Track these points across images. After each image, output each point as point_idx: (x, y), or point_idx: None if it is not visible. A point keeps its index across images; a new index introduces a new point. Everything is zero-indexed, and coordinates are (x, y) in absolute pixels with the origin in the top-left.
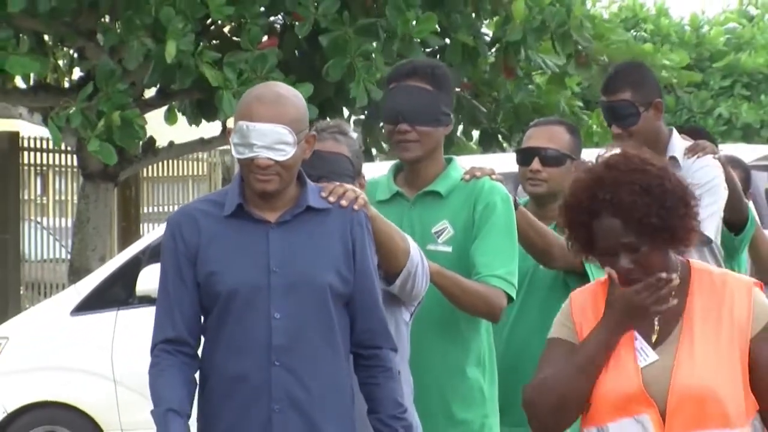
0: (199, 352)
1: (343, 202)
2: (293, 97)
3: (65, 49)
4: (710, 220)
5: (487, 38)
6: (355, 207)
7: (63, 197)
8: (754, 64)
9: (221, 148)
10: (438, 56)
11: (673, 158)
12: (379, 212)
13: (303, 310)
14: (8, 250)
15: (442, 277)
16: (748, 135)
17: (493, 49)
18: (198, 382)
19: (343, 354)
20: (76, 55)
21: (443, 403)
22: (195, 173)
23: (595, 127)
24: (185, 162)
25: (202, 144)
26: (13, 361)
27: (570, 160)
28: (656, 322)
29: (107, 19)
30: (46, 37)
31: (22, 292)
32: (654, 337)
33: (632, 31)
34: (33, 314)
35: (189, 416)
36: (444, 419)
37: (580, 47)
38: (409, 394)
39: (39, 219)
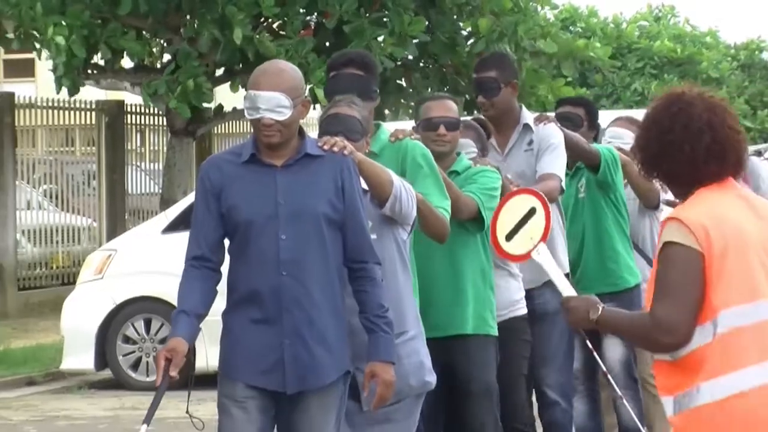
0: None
1: (335, 149)
2: (291, 70)
3: (157, 39)
4: (561, 171)
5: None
6: (345, 153)
7: (156, 148)
8: (660, 51)
9: None
10: (427, 47)
11: (527, 125)
12: None
13: (303, 232)
14: (116, 186)
15: (423, 204)
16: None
17: (470, 42)
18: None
19: (334, 266)
20: (165, 44)
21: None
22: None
23: (549, 97)
24: (245, 122)
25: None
26: (120, 266)
27: (460, 125)
28: None
29: (188, 17)
30: (144, 32)
31: (126, 217)
32: None
33: (570, 28)
34: (134, 233)
35: (201, 315)
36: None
37: (528, 49)
38: (412, 301)
39: (138, 164)
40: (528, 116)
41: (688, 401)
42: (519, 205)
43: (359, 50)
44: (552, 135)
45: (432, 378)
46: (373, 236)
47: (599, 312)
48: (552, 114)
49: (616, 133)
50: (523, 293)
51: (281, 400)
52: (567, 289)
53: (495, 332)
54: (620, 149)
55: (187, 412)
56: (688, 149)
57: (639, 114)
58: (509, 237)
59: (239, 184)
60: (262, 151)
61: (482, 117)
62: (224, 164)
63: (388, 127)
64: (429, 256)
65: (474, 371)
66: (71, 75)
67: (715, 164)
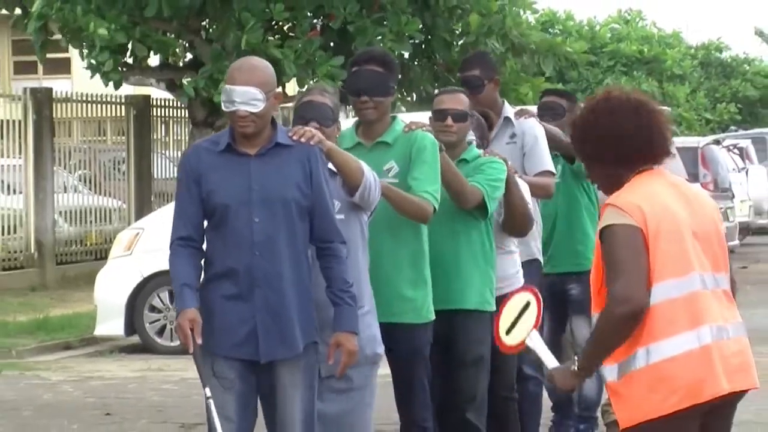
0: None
1: (303, 140)
2: (264, 67)
3: (180, 41)
4: (551, 164)
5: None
6: (312, 143)
7: (179, 137)
8: (629, 51)
9: (282, 105)
10: (422, 46)
11: (507, 118)
12: None
13: (274, 216)
14: (143, 172)
15: (389, 191)
16: None
17: (461, 41)
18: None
19: (302, 247)
20: (186, 44)
21: (394, 285)
22: None
23: (530, 94)
24: None
25: None
26: (147, 243)
27: (469, 117)
28: None
29: (207, 21)
30: (168, 34)
31: (152, 199)
32: None
33: (549, 30)
34: (159, 213)
35: (197, 288)
36: (394, 297)
37: (515, 42)
38: (367, 278)
39: (163, 152)
40: (509, 110)
41: (627, 366)
42: (517, 302)
43: (381, 49)
44: (533, 129)
45: (381, 348)
46: (341, 216)
47: (576, 364)
48: (533, 108)
49: None
50: (519, 269)
51: (259, 370)
52: (551, 363)
53: (493, 308)
54: None
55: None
56: (617, 145)
57: None
58: (508, 331)
59: (217, 171)
60: (237, 140)
61: (486, 110)
62: (203, 152)
63: (404, 119)
64: (435, 237)
65: (470, 344)
66: (117, 71)
67: (644, 157)
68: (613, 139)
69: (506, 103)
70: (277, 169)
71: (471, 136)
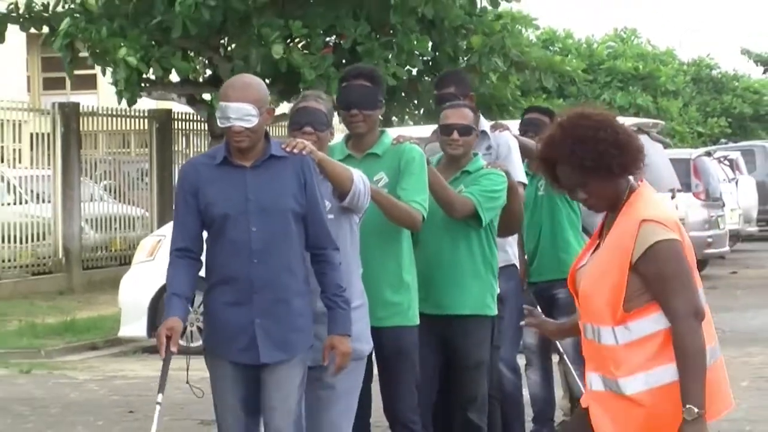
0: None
1: (295, 151)
2: (256, 84)
3: (200, 57)
4: (522, 176)
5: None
6: (304, 153)
7: (198, 149)
8: (625, 67)
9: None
10: (430, 63)
11: (483, 131)
12: None
13: (271, 225)
14: (165, 182)
15: (379, 196)
16: (621, 112)
17: (465, 58)
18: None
19: (299, 253)
20: (206, 61)
21: (379, 290)
22: (280, 135)
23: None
24: (276, 127)
25: (285, 117)
26: (168, 250)
27: (473, 131)
28: (605, 234)
29: (226, 40)
30: (189, 51)
31: (173, 207)
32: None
33: (549, 47)
34: None
35: (189, 297)
36: (379, 302)
37: (515, 60)
38: (358, 274)
39: (183, 162)
40: (485, 123)
41: (658, 378)
42: None
43: (368, 65)
44: (508, 141)
45: (368, 346)
46: (331, 216)
47: (690, 410)
48: (507, 122)
49: None
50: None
51: (257, 370)
52: None
53: (493, 312)
54: None
55: (187, 382)
56: (620, 155)
57: None
58: None
59: (214, 184)
60: (233, 153)
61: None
62: (200, 167)
63: (392, 132)
64: (436, 244)
65: (472, 348)
66: (130, 89)
67: (638, 167)
68: (617, 149)
69: (482, 117)
70: (271, 180)
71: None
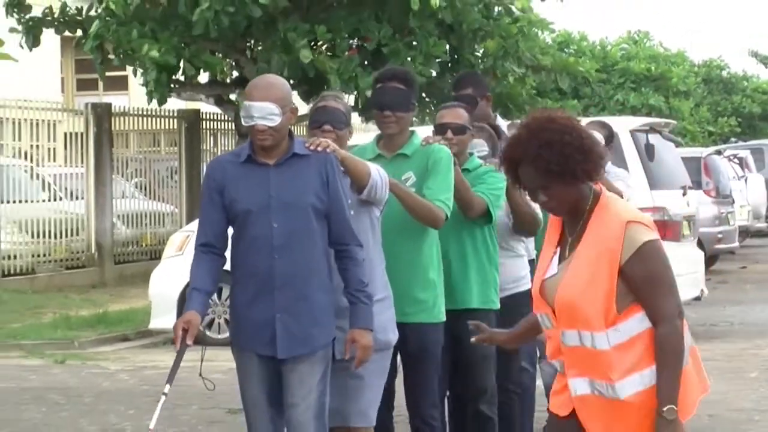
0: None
1: (319, 149)
2: (280, 83)
3: (227, 60)
4: None
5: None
6: (327, 151)
7: (226, 148)
8: (638, 69)
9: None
10: (449, 65)
11: (497, 126)
12: None
13: (292, 221)
14: (193, 179)
15: (400, 191)
16: (634, 112)
17: (482, 61)
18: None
19: (322, 249)
20: (233, 63)
21: (406, 287)
22: (304, 133)
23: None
24: (300, 126)
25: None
26: None
27: (468, 130)
28: (570, 241)
29: (252, 42)
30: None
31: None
32: (566, 254)
33: (564, 49)
34: None
35: (210, 292)
36: (407, 298)
37: (529, 64)
38: (381, 267)
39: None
40: (501, 122)
41: (650, 380)
42: None
43: (403, 68)
44: None
45: (394, 336)
46: (351, 212)
47: (666, 409)
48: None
49: None
50: (527, 271)
51: (278, 363)
52: None
53: (497, 306)
54: None
55: (200, 374)
56: (586, 160)
57: (610, 120)
58: None
59: (239, 181)
60: (257, 152)
61: (496, 124)
62: (226, 165)
63: (420, 133)
64: (442, 241)
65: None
66: (160, 89)
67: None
68: (581, 155)
69: (498, 116)
70: (294, 177)
71: (484, 147)
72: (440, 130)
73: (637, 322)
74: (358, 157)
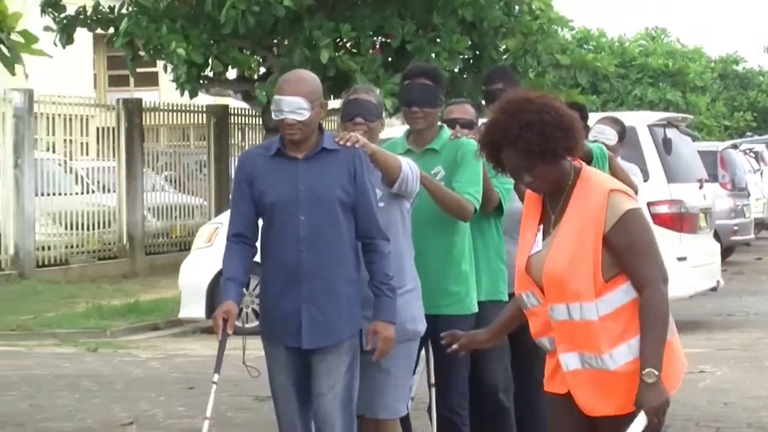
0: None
1: (348, 144)
2: (310, 78)
3: (254, 56)
4: None
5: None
6: (357, 146)
7: (254, 142)
8: (656, 64)
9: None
10: (471, 61)
11: None
12: None
13: (320, 214)
14: (222, 172)
15: (430, 184)
16: (651, 107)
17: (504, 56)
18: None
19: (348, 242)
20: (260, 59)
21: (439, 280)
22: (331, 128)
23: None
24: (326, 122)
25: (335, 111)
26: (225, 236)
27: (475, 125)
28: (553, 218)
29: (278, 39)
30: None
31: (230, 197)
32: (551, 230)
33: (584, 45)
34: None
35: (243, 282)
36: (438, 291)
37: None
38: (410, 258)
39: (239, 154)
40: None
41: (638, 349)
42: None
43: (430, 64)
44: None
45: (423, 326)
46: (381, 204)
47: (647, 372)
48: None
49: (601, 130)
50: None
51: (304, 354)
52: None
53: (506, 298)
54: (604, 144)
55: (244, 362)
56: (566, 138)
57: (622, 115)
58: None
59: (268, 174)
60: (286, 146)
61: None
62: (256, 157)
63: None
64: None
65: None
66: (192, 82)
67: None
68: (562, 132)
69: None
70: (323, 171)
71: None
72: (449, 125)
73: (623, 293)
74: (389, 152)
